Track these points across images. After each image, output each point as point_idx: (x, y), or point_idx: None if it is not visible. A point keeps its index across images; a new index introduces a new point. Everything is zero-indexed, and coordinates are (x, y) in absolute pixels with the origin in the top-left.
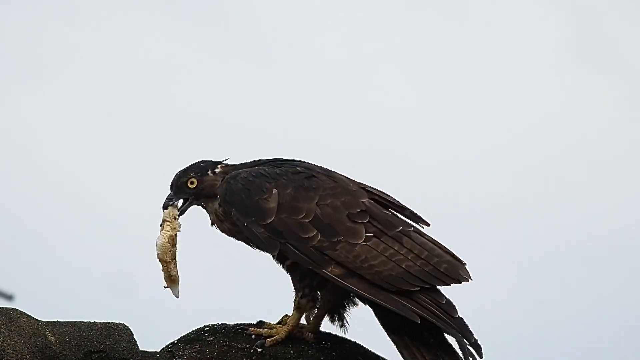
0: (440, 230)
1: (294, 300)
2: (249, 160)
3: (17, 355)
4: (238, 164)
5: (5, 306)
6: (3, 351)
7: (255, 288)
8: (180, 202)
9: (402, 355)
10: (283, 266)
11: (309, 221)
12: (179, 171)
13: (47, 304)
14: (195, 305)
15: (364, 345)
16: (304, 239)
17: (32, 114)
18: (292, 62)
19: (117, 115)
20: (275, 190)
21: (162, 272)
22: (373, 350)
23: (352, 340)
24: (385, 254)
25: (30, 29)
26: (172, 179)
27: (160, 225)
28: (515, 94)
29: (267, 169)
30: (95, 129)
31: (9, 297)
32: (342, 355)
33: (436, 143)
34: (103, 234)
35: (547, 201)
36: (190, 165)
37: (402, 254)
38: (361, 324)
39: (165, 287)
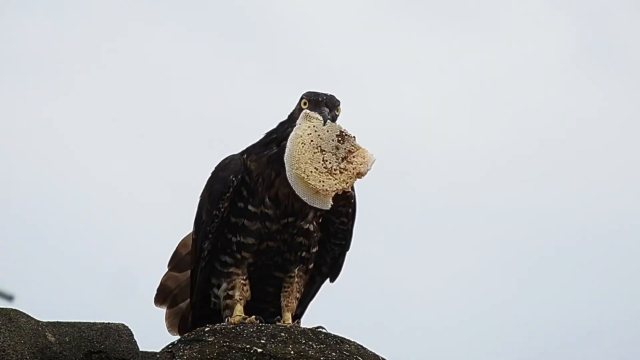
0: (445, 232)
1: (290, 304)
2: None
3: (17, 356)
4: None
5: (5, 306)
6: (3, 352)
7: None
8: None
9: None
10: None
11: None
12: (335, 97)
13: (47, 304)
14: None
15: (364, 346)
16: None
17: (35, 113)
18: (304, 65)
19: (121, 116)
20: None
21: (339, 187)
22: (373, 351)
23: (352, 340)
24: None
25: (46, 32)
26: (330, 99)
27: (344, 140)
28: (526, 97)
29: None
30: (98, 130)
31: (9, 298)
32: (342, 355)
33: (446, 146)
34: (103, 234)
35: (554, 202)
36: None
37: None
38: (361, 324)
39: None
